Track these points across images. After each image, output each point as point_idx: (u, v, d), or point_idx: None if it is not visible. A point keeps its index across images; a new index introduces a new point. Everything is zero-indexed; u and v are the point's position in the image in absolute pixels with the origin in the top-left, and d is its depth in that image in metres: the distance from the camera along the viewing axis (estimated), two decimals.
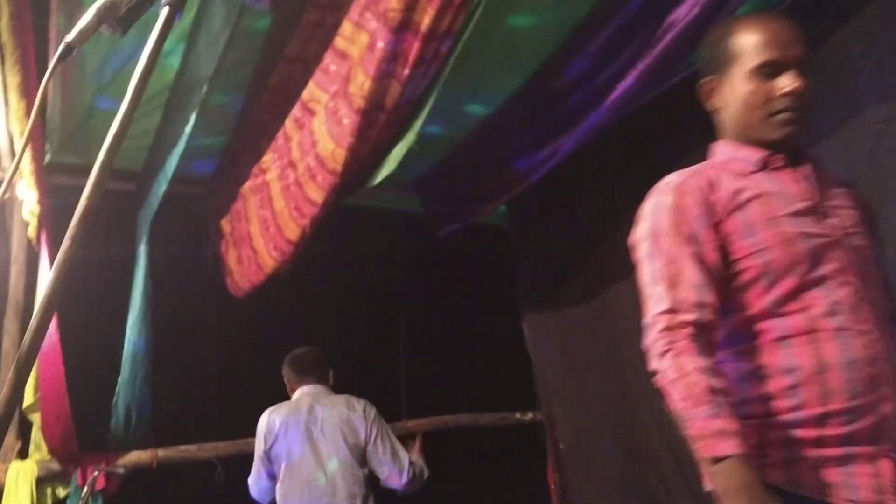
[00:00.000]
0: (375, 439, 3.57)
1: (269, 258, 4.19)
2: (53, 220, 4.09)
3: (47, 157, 4.25)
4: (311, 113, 3.52)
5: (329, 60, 3.30)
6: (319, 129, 3.43)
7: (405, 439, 5.20)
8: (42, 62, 3.67)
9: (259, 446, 3.61)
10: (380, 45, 2.90)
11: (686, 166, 3.75)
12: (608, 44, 3.03)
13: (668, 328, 1.63)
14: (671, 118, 3.73)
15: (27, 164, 3.99)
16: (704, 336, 1.62)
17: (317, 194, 3.64)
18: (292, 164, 3.75)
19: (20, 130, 3.79)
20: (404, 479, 3.56)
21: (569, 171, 3.87)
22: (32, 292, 4.16)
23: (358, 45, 3.06)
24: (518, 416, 5.50)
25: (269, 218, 4.09)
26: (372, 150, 3.40)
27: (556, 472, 5.15)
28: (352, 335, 5.69)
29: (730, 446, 1.48)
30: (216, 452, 4.47)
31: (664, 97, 3.59)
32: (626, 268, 4.22)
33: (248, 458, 3.80)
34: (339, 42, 3.21)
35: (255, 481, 3.68)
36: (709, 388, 1.54)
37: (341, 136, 3.28)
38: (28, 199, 4.06)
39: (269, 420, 3.62)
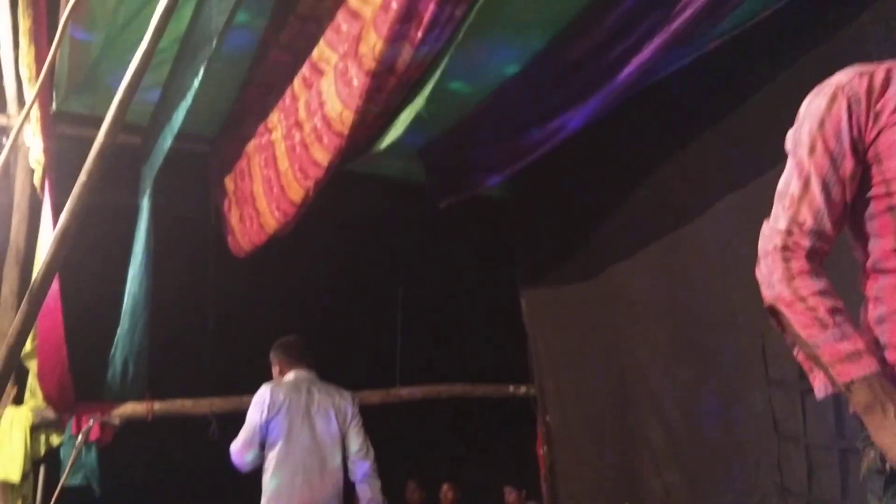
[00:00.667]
0: (356, 423, 3.95)
1: (271, 219, 4.19)
2: (58, 168, 4.08)
3: (53, 106, 4.23)
4: (320, 73, 3.50)
5: (341, 19, 3.27)
6: (328, 89, 3.41)
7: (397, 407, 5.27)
8: (53, 7, 3.64)
9: (257, 416, 3.76)
10: (394, 5, 2.87)
11: (694, 148, 3.78)
12: (624, 17, 3.01)
13: (784, 247, 1.59)
14: (680, 98, 3.73)
15: (35, 112, 3.97)
16: (818, 260, 1.58)
17: (322, 156, 3.63)
18: (299, 125, 3.74)
19: (30, 76, 3.77)
20: (371, 460, 3.90)
21: (574, 148, 3.86)
22: (34, 240, 4.15)
23: (371, 4, 3.03)
24: (511, 388, 5.53)
25: (273, 178, 4.08)
26: (380, 114, 3.38)
27: (544, 445, 5.20)
28: (349, 301, 5.71)
29: (862, 367, 1.45)
30: (211, 408, 4.50)
31: (675, 75, 3.58)
32: (625, 246, 4.28)
33: (242, 416, 3.83)
34: (352, 1, 3.18)
35: (244, 447, 3.77)
36: (829, 310, 1.50)
37: (350, 98, 3.26)
38: (34, 147, 4.05)
39: (273, 394, 3.80)
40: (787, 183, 1.64)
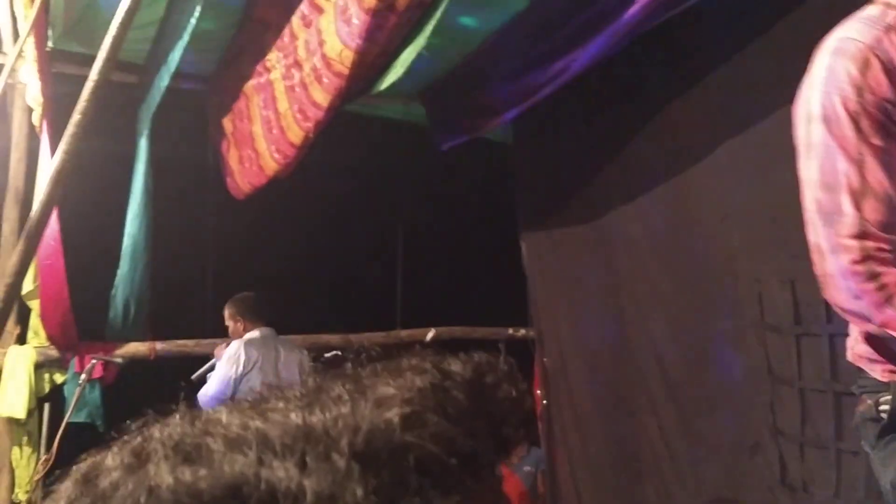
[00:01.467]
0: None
1: (271, 160, 4.16)
2: (56, 108, 4.04)
3: (49, 44, 4.16)
4: (320, 10, 3.43)
5: None
6: (327, 28, 3.35)
7: (398, 349, 5.28)
8: None
9: (231, 371, 3.95)
10: None
11: (698, 92, 3.74)
12: None
13: (864, 259, 1.29)
14: (685, 41, 3.67)
15: (30, 50, 3.91)
16: None
17: (322, 97, 3.58)
18: (298, 64, 3.68)
19: (25, 13, 3.70)
20: None
21: (578, 90, 3.82)
22: (32, 179, 4.14)
23: None
24: (511, 331, 5.57)
25: (273, 119, 4.04)
26: (380, 53, 3.33)
27: (542, 387, 5.26)
28: (349, 243, 5.72)
29: None
30: (213, 348, 4.55)
31: (681, 16, 3.51)
32: (626, 190, 4.27)
33: None
34: None
35: (214, 400, 3.92)
36: None
37: (350, 37, 3.21)
38: (31, 86, 4.00)
39: (247, 349, 3.98)
40: (833, 170, 1.35)
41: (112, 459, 0.44)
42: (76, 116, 1.11)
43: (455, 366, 0.47)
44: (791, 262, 3.20)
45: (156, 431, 0.46)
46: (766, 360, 3.34)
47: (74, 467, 0.46)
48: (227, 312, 4.16)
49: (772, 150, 3.35)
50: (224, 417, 0.45)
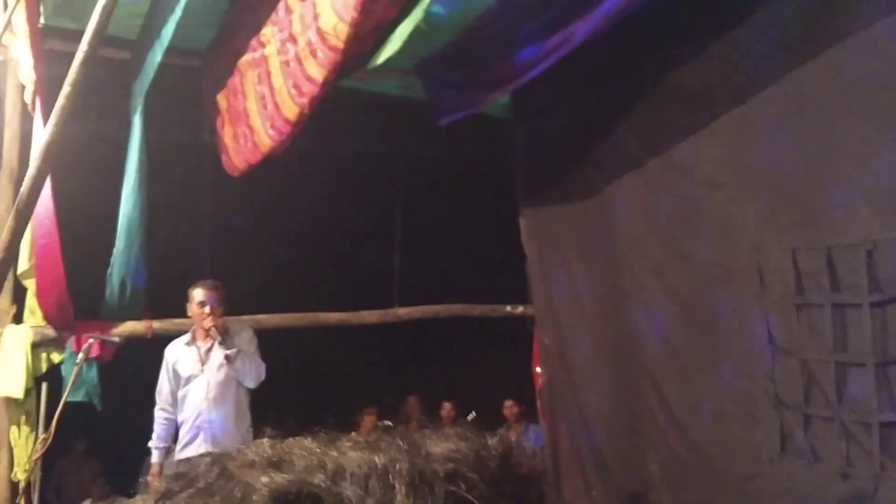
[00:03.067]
0: None
1: (265, 137, 4.12)
2: (48, 85, 3.99)
3: (41, 20, 4.11)
4: None
5: None
6: (322, 1, 3.30)
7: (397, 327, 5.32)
8: None
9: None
10: None
11: (703, 64, 3.70)
12: None
13: None
14: (686, 11, 3.63)
15: (22, 27, 3.86)
16: None
17: (317, 72, 3.53)
18: (293, 38, 3.63)
19: None
20: None
21: (578, 63, 3.77)
22: (26, 158, 4.10)
23: None
24: (509, 308, 5.56)
25: (268, 95, 3.99)
26: (376, 27, 3.28)
27: (541, 363, 5.26)
28: (347, 220, 5.69)
29: None
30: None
31: None
32: (623, 164, 4.24)
33: None
34: None
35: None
36: None
37: (344, 10, 3.16)
38: (24, 63, 3.95)
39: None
40: None
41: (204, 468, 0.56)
42: (66, 89, 1.08)
43: (491, 440, 0.56)
44: (792, 231, 3.19)
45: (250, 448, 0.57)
46: (767, 331, 3.33)
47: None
48: (222, 296, 4.20)
49: (769, 121, 3.34)
50: (307, 444, 0.57)
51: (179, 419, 4.16)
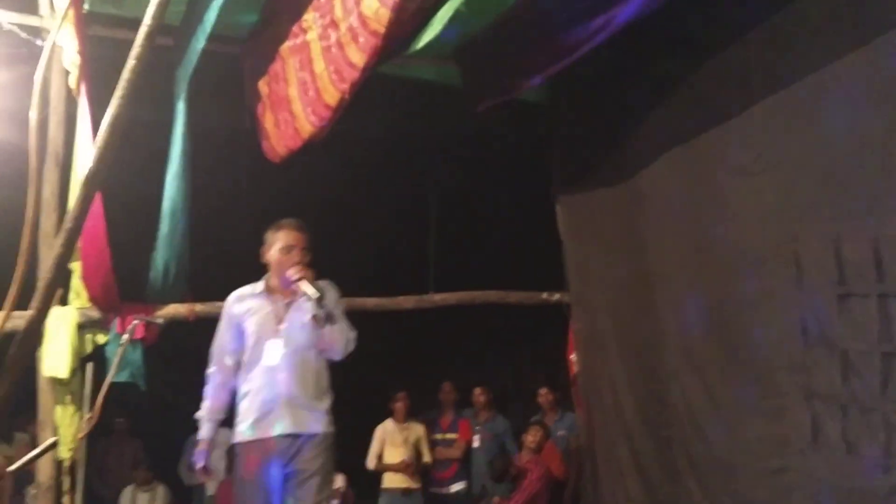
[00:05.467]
0: None
1: (306, 123, 4.14)
2: (92, 70, 4.06)
3: (86, 6, 4.18)
4: None
5: None
6: None
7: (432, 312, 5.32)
8: None
9: None
10: None
11: (741, 50, 3.64)
12: None
13: None
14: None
15: (66, 12, 3.92)
16: None
17: (358, 57, 3.55)
18: (334, 24, 3.65)
19: None
20: None
21: (617, 48, 3.75)
22: (71, 142, 4.18)
23: None
24: (545, 295, 5.55)
25: (309, 81, 4.02)
26: (416, 11, 3.29)
27: (576, 351, 5.26)
28: (382, 207, 5.72)
29: None
30: None
31: None
32: (658, 151, 4.21)
33: None
34: None
35: None
36: None
37: None
38: (68, 48, 4.02)
39: None
40: None
41: None
42: (131, 62, 1.10)
43: None
44: (835, 220, 3.14)
45: None
46: (802, 322, 3.29)
47: None
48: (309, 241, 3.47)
49: (813, 103, 3.28)
50: None
51: (242, 389, 3.35)
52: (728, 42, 3.68)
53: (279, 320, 3.35)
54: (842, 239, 3.10)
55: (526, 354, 6.78)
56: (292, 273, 3.27)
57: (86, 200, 1.08)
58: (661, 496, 4.24)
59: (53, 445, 1.90)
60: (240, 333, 3.38)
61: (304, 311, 3.30)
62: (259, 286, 3.45)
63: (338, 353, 3.34)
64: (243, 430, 3.30)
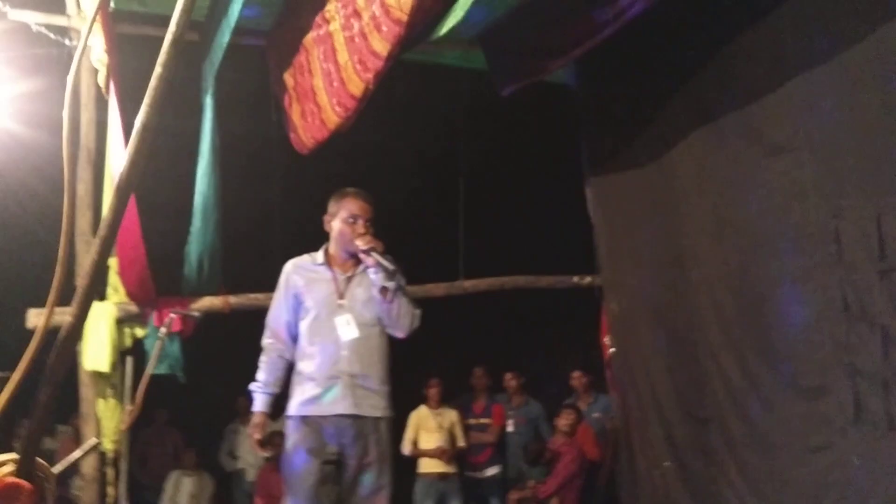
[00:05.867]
0: None
1: (332, 114, 4.15)
2: (121, 67, 4.11)
3: (112, 4, 4.22)
4: None
5: None
6: None
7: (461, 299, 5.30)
8: None
9: None
10: None
11: (775, 25, 3.56)
12: None
13: None
14: None
15: (92, 11, 3.97)
16: None
17: (381, 46, 3.54)
18: (357, 14, 3.65)
19: None
20: None
21: (643, 29, 3.70)
22: (103, 139, 4.24)
23: None
24: (575, 279, 5.53)
25: (333, 71, 4.02)
26: None
27: (609, 334, 5.23)
28: (411, 193, 5.72)
29: None
30: None
31: None
32: (689, 131, 4.15)
33: None
34: None
35: None
36: None
37: None
38: (96, 47, 4.07)
39: None
40: None
41: None
42: (158, 70, 1.11)
43: None
44: (877, 196, 3.08)
45: None
46: (843, 299, 3.24)
47: None
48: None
49: (844, 82, 3.21)
50: None
51: (300, 363, 3.13)
52: (760, 19, 3.61)
53: (340, 294, 3.12)
54: (883, 214, 3.04)
55: (559, 338, 6.76)
56: (361, 243, 3.03)
57: (119, 208, 1.08)
58: (696, 476, 4.22)
59: (96, 446, 1.93)
60: (297, 305, 3.17)
61: (367, 285, 3.09)
62: (318, 256, 3.22)
63: (404, 329, 3.11)
64: (300, 404, 3.08)
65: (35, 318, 4.14)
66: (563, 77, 5.00)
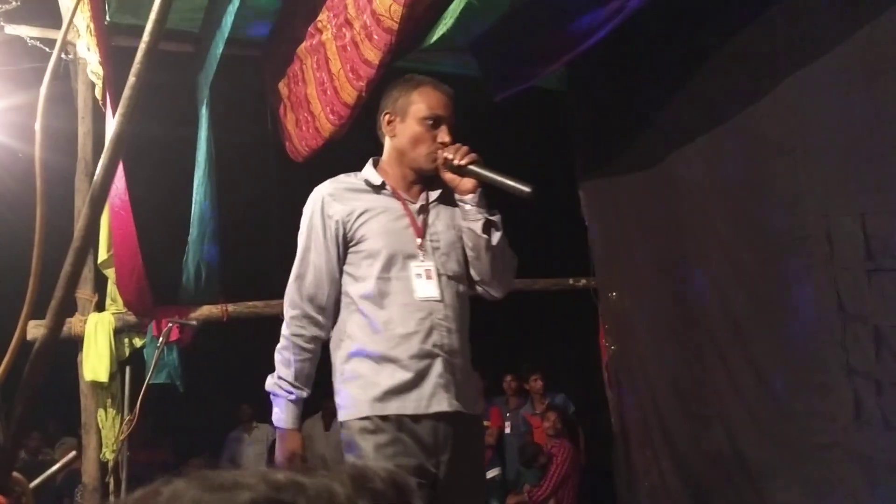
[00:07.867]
0: None
1: (326, 122, 4.20)
2: (116, 81, 4.14)
3: (106, 18, 4.26)
4: None
5: None
6: None
7: None
8: None
9: None
10: None
11: (766, 28, 3.59)
12: None
13: None
14: None
15: (87, 24, 4.01)
16: None
17: (373, 55, 3.59)
18: (348, 23, 3.69)
19: None
20: None
21: (634, 32, 3.73)
22: (100, 152, 4.26)
23: None
24: (571, 281, 5.56)
25: (326, 80, 4.07)
26: (429, 6, 3.31)
27: (606, 336, 5.25)
28: None
29: None
30: (282, 309, 4.66)
31: None
32: (685, 132, 4.18)
33: None
34: None
35: None
36: None
37: None
38: (91, 60, 4.11)
39: None
40: None
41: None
42: (131, 80, 1.14)
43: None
44: (861, 195, 3.11)
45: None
46: (837, 298, 3.27)
47: None
48: None
49: (840, 84, 3.24)
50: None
51: (359, 340, 2.12)
52: (753, 19, 3.64)
53: (418, 231, 2.15)
54: (868, 214, 3.07)
55: (556, 340, 6.78)
56: (455, 156, 2.11)
57: (93, 218, 1.11)
58: (696, 475, 4.24)
59: (74, 460, 1.94)
60: (343, 247, 2.15)
61: (448, 221, 2.17)
62: (372, 174, 2.23)
63: (507, 285, 2.29)
64: (376, 399, 2.04)
65: (34, 330, 4.16)
66: (555, 82, 5.03)
